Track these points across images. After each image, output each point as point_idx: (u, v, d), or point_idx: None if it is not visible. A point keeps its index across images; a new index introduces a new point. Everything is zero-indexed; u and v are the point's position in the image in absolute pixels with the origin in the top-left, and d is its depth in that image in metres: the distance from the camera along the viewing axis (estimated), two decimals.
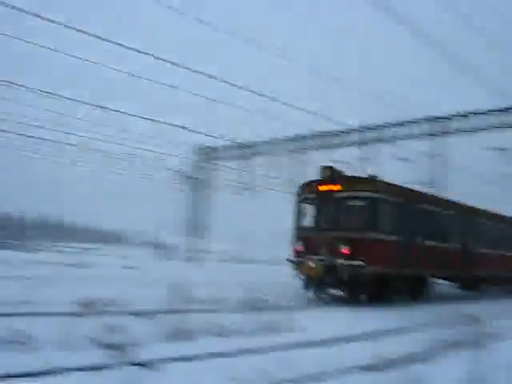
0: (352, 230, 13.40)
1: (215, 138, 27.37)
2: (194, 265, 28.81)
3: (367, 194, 13.60)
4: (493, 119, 22.93)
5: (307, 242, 14.27)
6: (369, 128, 25.93)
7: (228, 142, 29.69)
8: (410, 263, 14.59)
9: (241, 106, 23.18)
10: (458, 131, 23.88)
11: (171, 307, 8.82)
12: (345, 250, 13.05)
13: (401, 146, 24.40)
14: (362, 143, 25.79)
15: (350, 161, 20.55)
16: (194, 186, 33.32)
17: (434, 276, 17.05)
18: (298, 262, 14.11)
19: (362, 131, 26.23)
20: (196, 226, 33.36)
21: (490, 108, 23.03)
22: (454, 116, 24.08)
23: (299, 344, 7.02)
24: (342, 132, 26.64)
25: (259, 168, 29.67)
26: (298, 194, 15.44)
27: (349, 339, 7.77)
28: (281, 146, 28.97)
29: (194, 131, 25.36)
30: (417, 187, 17.76)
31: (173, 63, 16.84)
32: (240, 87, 19.15)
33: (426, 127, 24.54)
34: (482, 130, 23.21)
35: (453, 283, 19.73)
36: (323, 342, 7.33)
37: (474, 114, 23.50)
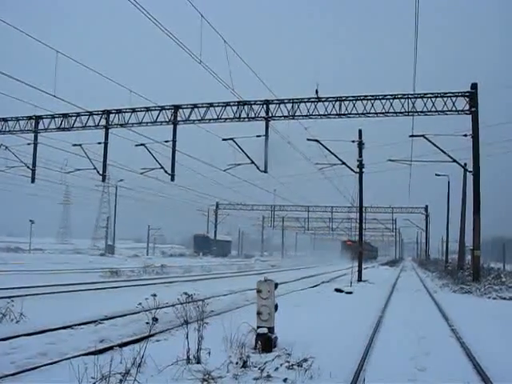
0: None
1: None
2: None
3: (356, 244, 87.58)
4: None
5: (347, 252, 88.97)
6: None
7: None
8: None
9: None
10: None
11: None
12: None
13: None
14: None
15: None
16: None
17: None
18: (347, 254, 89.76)
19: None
20: None
21: None
22: None
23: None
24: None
25: None
26: (342, 243, 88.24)
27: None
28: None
29: None
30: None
31: None
32: None
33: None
34: None
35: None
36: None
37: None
